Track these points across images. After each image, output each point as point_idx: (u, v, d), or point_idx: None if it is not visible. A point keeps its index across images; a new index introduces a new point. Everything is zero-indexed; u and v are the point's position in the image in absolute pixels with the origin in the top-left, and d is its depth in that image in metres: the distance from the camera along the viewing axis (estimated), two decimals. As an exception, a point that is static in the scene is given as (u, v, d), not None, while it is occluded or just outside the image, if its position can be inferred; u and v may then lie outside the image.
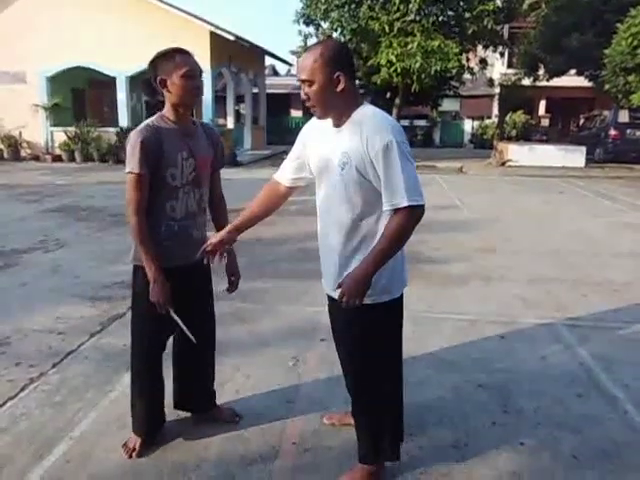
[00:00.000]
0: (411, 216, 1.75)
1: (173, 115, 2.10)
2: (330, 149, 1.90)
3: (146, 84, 2.10)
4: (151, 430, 2.32)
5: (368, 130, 1.77)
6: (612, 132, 15.99)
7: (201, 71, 2.10)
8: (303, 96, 1.86)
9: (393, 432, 2.11)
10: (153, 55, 2.06)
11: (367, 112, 1.84)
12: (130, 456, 2.23)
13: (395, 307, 2.01)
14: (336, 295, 1.87)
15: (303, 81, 1.83)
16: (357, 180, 1.82)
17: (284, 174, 2.13)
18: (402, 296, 2.03)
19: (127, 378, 2.86)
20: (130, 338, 2.29)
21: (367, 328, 1.96)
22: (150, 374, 2.29)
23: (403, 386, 2.17)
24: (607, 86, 12.80)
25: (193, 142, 2.15)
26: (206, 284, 2.39)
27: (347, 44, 14.96)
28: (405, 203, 1.73)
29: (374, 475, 2.09)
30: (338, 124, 1.88)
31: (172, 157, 2.06)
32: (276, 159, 16.03)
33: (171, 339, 2.36)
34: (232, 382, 2.86)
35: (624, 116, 15.92)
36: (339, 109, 1.85)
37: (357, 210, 1.87)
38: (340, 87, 1.81)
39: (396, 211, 1.76)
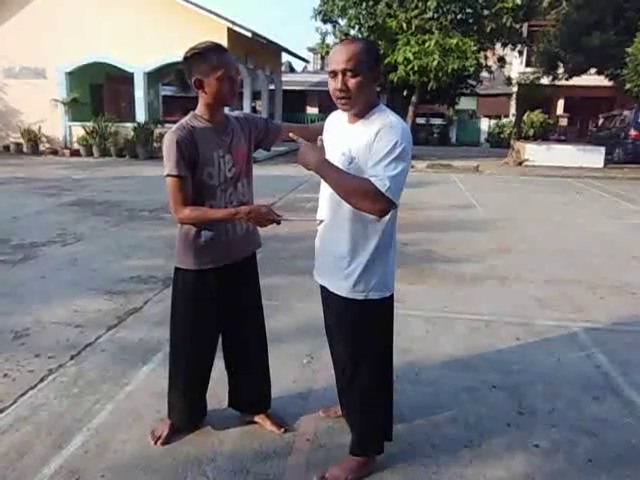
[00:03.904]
0: (377, 200, 1.71)
1: (207, 114, 2.04)
2: (340, 144, 1.91)
3: (179, 78, 2.02)
4: (187, 422, 2.38)
5: (382, 130, 1.77)
6: (632, 132, 15.74)
7: (238, 69, 2.03)
8: (340, 86, 1.78)
9: (381, 429, 2.17)
10: (187, 50, 1.97)
11: (383, 114, 1.84)
12: (155, 443, 2.29)
13: (384, 307, 2.03)
14: (329, 286, 2.02)
15: (346, 70, 1.76)
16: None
17: None
18: (392, 298, 2.06)
19: (143, 372, 2.92)
20: (169, 336, 2.30)
21: (357, 322, 2.00)
22: (190, 372, 2.30)
23: (393, 387, 2.20)
24: (628, 85, 12.61)
25: (230, 138, 2.10)
26: (254, 282, 2.34)
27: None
28: (383, 190, 1.70)
29: (362, 466, 2.14)
30: (353, 120, 1.89)
31: (208, 156, 2.02)
32: (291, 156, 16.04)
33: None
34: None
35: (645, 116, 15.68)
36: (365, 104, 1.85)
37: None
38: (377, 83, 1.81)
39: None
